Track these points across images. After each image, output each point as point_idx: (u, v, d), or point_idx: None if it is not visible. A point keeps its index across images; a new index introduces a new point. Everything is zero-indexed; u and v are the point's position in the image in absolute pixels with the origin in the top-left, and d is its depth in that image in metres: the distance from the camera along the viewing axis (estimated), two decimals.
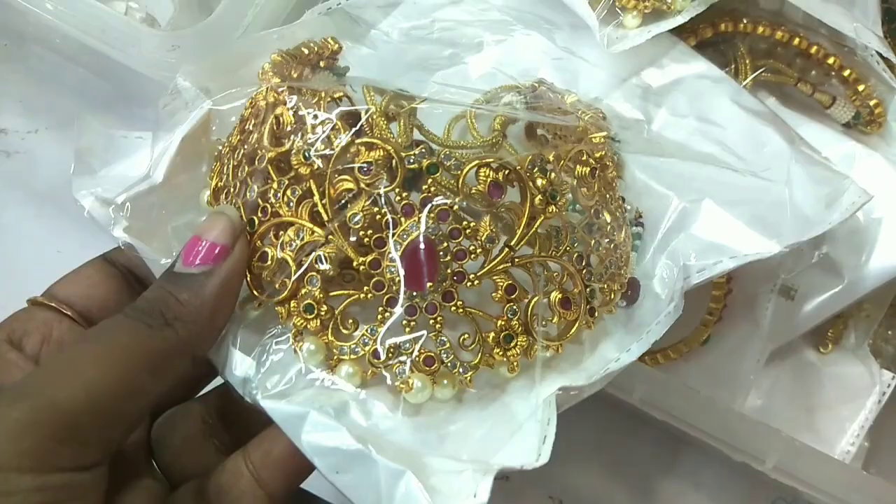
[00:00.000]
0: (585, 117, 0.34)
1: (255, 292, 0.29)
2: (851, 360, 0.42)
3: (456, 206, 0.27)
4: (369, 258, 0.27)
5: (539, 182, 0.28)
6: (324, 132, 0.28)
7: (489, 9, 0.41)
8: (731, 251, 0.31)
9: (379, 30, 0.41)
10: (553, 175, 0.28)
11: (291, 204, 0.28)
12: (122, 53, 0.39)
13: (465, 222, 0.27)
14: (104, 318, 0.30)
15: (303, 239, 0.28)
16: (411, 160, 0.27)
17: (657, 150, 0.36)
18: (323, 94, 0.29)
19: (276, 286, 0.28)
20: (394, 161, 0.27)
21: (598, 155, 0.31)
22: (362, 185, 0.27)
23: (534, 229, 0.28)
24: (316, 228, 0.28)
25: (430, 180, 0.27)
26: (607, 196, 0.31)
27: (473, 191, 0.27)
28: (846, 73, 0.42)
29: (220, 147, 0.33)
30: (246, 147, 0.30)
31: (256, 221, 0.29)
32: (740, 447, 0.36)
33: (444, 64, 0.40)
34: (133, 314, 0.26)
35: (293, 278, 0.28)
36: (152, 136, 0.33)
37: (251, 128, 0.30)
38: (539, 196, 0.28)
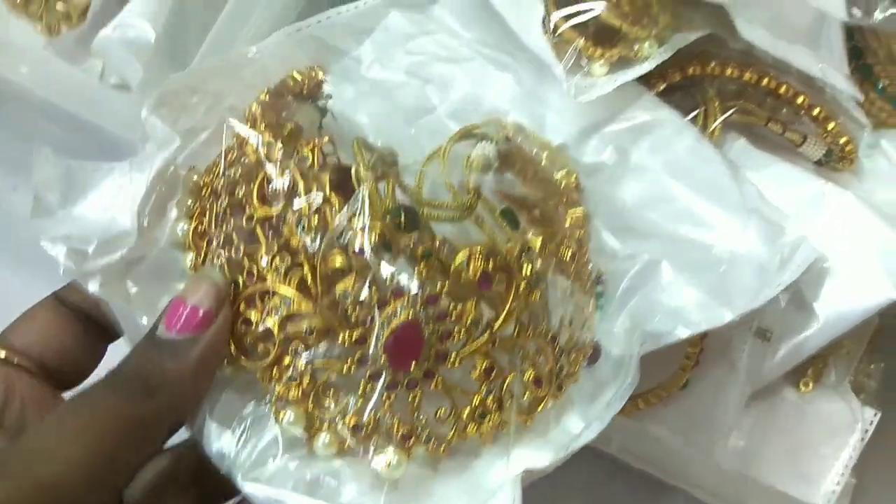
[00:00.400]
0: (561, 183, 0.34)
1: (238, 357, 0.29)
2: (832, 397, 0.42)
3: (445, 291, 0.28)
4: (356, 334, 0.27)
5: (525, 270, 0.29)
6: (316, 204, 0.28)
7: (461, 45, 0.42)
8: (685, 319, 0.32)
9: (351, 58, 0.41)
10: (539, 262, 0.29)
11: (280, 271, 0.28)
12: (96, 115, 0.39)
13: (451, 305, 0.28)
14: (61, 366, 0.30)
15: (289, 307, 0.28)
16: (407, 248, 0.27)
17: (619, 206, 0.37)
18: (315, 143, 0.29)
19: (259, 351, 0.29)
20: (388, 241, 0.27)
21: (578, 236, 0.32)
22: (354, 264, 0.27)
23: (516, 314, 0.29)
24: (304, 301, 0.28)
25: (422, 264, 0.27)
26: (581, 272, 0.32)
27: (463, 279, 0.28)
28: (815, 111, 0.43)
29: (197, 178, 0.33)
30: (231, 194, 0.30)
31: (241, 282, 0.29)
32: (720, 495, 0.36)
33: (415, 104, 0.40)
34: (115, 383, 0.26)
35: (277, 346, 0.28)
36: (128, 167, 0.32)
37: (237, 177, 0.30)
38: (524, 284, 0.29)
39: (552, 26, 0.39)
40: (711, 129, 0.42)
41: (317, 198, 0.28)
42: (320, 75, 0.34)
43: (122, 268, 0.31)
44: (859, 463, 0.43)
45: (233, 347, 0.29)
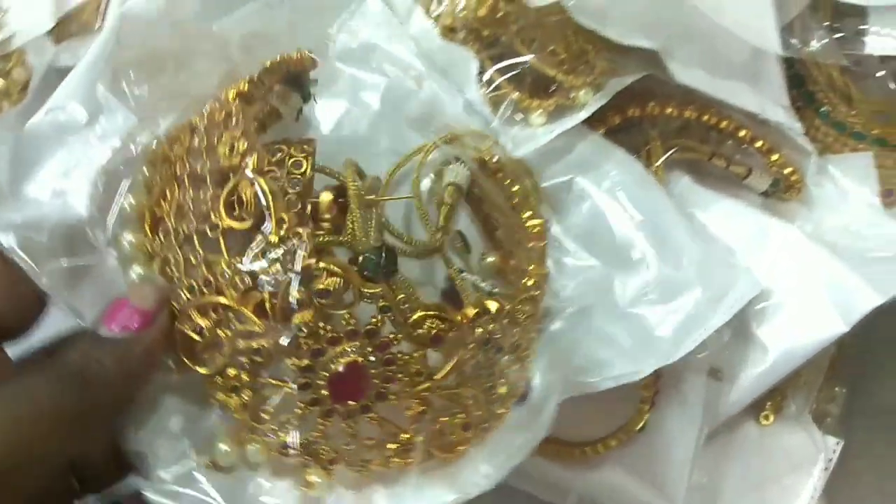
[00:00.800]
0: (527, 228, 0.34)
1: (184, 362, 0.29)
2: (794, 429, 0.42)
3: (396, 341, 0.28)
4: (303, 363, 0.28)
5: (478, 331, 0.29)
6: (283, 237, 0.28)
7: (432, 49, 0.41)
8: (607, 371, 0.33)
9: (321, 45, 0.40)
10: (492, 326, 0.29)
11: (239, 289, 0.28)
12: None
13: (399, 353, 0.28)
14: (4, 320, 0.30)
15: (242, 323, 0.28)
16: (367, 296, 0.28)
17: (559, 242, 0.38)
18: (306, 149, 0.30)
19: (206, 358, 0.29)
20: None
21: (534, 295, 0.32)
22: (313, 302, 0.28)
23: (460, 369, 0.29)
24: (258, 323, 0.28)
25: (379, 317, 0.28)
26: (531, 328, 0.32)
27: (416, 334, 0.28)
28: (759, 143, 0.43)
29: (157, 147, 0.32)
30: (196, 188, 0.30)
31: (196, 288, 0.28)
32: None
33: (379, 105, 0.39)
34: (53, 373, 0.27)
35: (224, 356, 0.28)
36: (80, 143, 0.32)
37: (204, 171, 0.30)
38: (473, 344, 0.29)
39: (488, 79, 0.39)
40: (655, 169, 0.42)
41: (285, 232, 0.27)
42: (311, 61, 0.34)
43: (71, 269, 0.31)
44: (829, 489, 0.43)
45: (181, 352, 0.29)
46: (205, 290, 0.28)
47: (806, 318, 0.38)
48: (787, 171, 0.43)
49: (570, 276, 0.37)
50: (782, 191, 0.44)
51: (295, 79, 0.35)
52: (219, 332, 0.28)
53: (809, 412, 0.43)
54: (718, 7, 0.39)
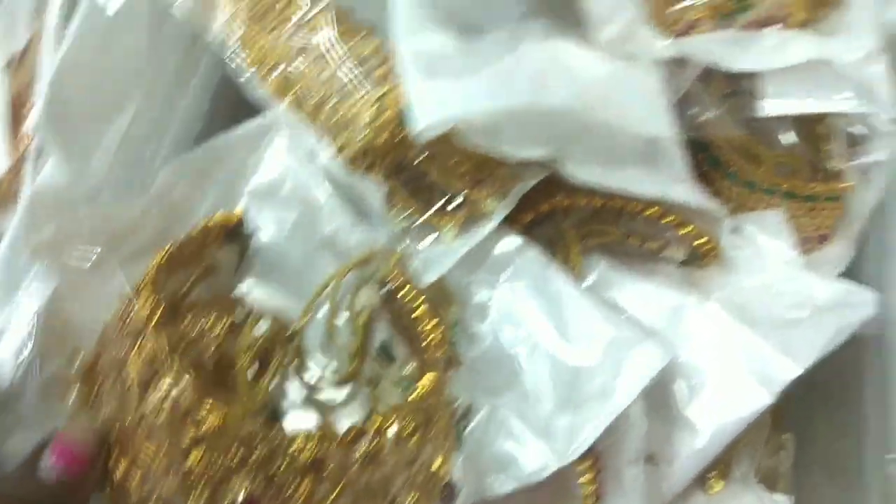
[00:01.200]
0: (428, 334, 0.36)
1: (108, 490, 0.33)
2: (742, 493, 0.43)
3: (283, 469, 0.30)
4: (203, 498, 0.30)
5: (359, 451, 0.31)
6: (173, 389, 0.30)
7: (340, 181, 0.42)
8: (510, 470, 0.35)
9: (234, 185, 0.42)
10: (377, 441, 0.31)
11: (147, 430, 0.31)
12: None
13: (290, 479, 0.30)
14: None
15: (147, 466, 0.31)
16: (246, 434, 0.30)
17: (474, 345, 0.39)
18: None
19: (128, 488, 0.32)
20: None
21: (427, 404, 0.33)
22: (204, 440, 0.30)
23: (350, 488, 0.31)
24: (160, 465, 0.31)
25: (259, 449, 0.30)
26: (431, 436, 0.33)
27: (298, 461, 0.30)
28: (669, 219, 0.44)
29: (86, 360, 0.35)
30: (120, 345, 0.33)
31: (121, 427, 0.32)
32: None
33: (290, 230, 0.42)
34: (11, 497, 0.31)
35: (140, 492, 0.32)
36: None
37: (124, 330, 0.33)
38: (358, 465, 0.31)
39: (395, 203, 0.40)
40: (571, 257, 0.43)
41: (175, 383, 0.30)
42: (236, 219, 0.38)
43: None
44: None
45: (109, 487, 0.33)
46: (127, 426, 0.32)
47: (731, 393, 0.39)
48: (699, 241, 0.44)
49: (479, 373, 0.38)
50: (699, 259, 0.45)
51: (230, 233, 0.37)
52: (133, 471, 0.31)
53: (756, 473, 0.44)
54: (606, 102, 0.40)
